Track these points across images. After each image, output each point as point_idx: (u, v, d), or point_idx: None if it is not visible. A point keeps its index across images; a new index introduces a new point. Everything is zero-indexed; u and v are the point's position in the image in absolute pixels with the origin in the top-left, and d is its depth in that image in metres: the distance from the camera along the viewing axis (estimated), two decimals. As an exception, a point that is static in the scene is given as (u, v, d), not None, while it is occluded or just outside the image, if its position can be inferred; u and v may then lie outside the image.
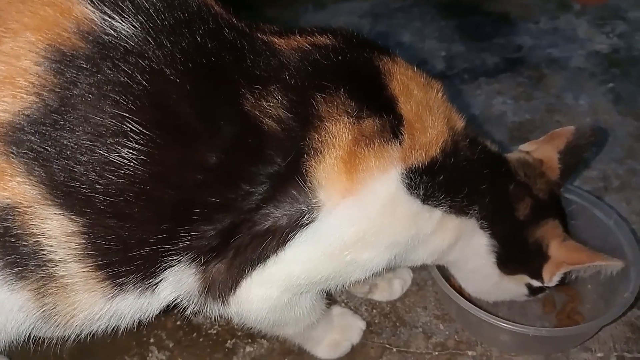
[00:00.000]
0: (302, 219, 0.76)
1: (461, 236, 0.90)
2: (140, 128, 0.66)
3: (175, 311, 1.10)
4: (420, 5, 2.12)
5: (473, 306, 0.98)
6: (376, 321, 1.13)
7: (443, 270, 1.05)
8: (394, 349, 1.08)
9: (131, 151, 0.67)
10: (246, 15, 0.82)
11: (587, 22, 1.97)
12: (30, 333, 0.78)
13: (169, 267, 0.75)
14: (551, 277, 0.94)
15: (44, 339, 0.82)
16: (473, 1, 2.13)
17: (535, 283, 0.97)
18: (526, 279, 0.97)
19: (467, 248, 0.93)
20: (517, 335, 0.99)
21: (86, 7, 0.67)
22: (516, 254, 0.95)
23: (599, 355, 1.06)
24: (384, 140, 0.77)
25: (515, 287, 0.99)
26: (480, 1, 2.12)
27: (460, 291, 1.04)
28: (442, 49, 1.89)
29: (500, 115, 1.61)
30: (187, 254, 0.75)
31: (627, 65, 1.76)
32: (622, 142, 1.50)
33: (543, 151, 1.00)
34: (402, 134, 0.78)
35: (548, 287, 0.98)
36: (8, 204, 0.67)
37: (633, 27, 1.93)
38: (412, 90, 0.82)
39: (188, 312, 0.86)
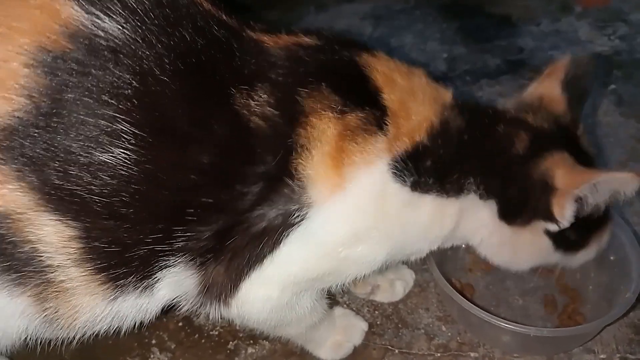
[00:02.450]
0: (293, 217, 0.76)
1: (462, 217, 0.86)
2: (132, 128, 0.67)
3: (177, 312, 1.11)
4: (421, 7, 2.12)
5: (474, 306, 0.98)
6: (378, 322, 1.13)
7: (444, 271, 1.05)
8: (396, 351, 1.08)
9: (124, 152, 0.67)
10: (248, 18, 0.82)
11: (588, 24, 1.96)
12: (33, 336, 0.78)
13: (165, 268, 0.75)
14: (561, 210, 0.83)
15: (47, 340, 0.83)
16: (475, 3, 2.13)
17: (552, 227, 0.86)
18: (542, 224, 0.87)
19: (472, 224, 0.88)
20: (519, 336, 0.99)
21: (73, 8, 0.67)
22: (523, 197, 0.86)
23: (601, 356, 1.05)
24: (368, 133, 0.77)
25: (536, 240, 0.89)
26: (482, 3, 2.12)
27: (461, 292, 1.04)
28: (444, 51, 1.89)
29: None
30: (183, 255, 0.75)
31: (629, 68, 1.76)
32: (625, 144, 1.50)
33: (541, 87, 0.95)
34: (386, 125, 0.79)
35: (572, 236, 0.89)
36: (0, 212, 0.66)
37: (635, 29, 1.93)
38: (396, 80, 0.82)
39: (186, 310, 0.86)
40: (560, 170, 0.84)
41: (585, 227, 0.90)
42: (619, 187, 0.82)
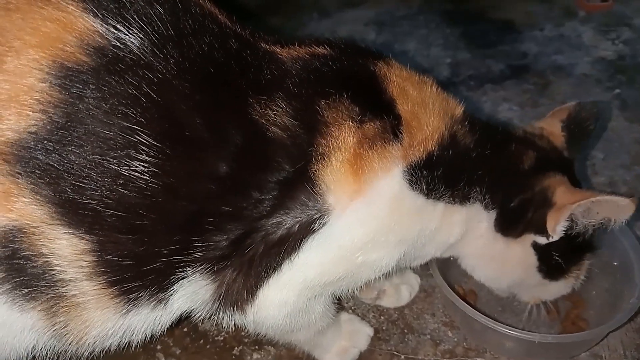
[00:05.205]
0: (313, 224, 0.76)
1: (468, 227, 0.90)
2: (151, 140, 0.66)
3: (182, 318, 1.11)
4: (425, 13, 2.13)
5: (478, 313, 0.98)
6: (384, 328, 1.13)
7: (448, 277, 1.05)
8: (402, 356, 1.08)
9: (142, 164, 0.66)
10: (251, 24, 0.83)
11: (592, 29, 1.97)
12: (42, 351, 0.77)
13: (182, 279, 0.75)
14: (555, 224, 0.86)
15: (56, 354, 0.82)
16: (478, 9, 2.14)
17: (540, 239, 0.90)
18: (531, 237, 0.91)
19: (472, 233, 0.92)
20: (523, 342, 0.99)
21: (89, 20, 0.66)
22: (522, 209, 0.90)
23: (608, 362, 1.05)
24: (385, 141, 0.78)
25: (524, 254, 0.93)
26: (485, 9, 2.13)
27: (465, 298, 1.04)
28: (448, 56, 1.90)
29: (506, 122, 1.61)
30: (201, 265, 0.75)
31: (632, 72, 1.77)
32: (629, 148, 1.50)
33: (544, 122, 1.01)
34: (401, 134, 0.80)
35: (556, 259, 0.92)
36: (15, 226, 0.66)
37: (638, 34, 1.94)
38: (408, 91, 0.84)
39: (197, 318, 0.85)
40: (561, 188, 0.89)
41: (568, 255, 0.94)
42: (613, 211, 0.85)
